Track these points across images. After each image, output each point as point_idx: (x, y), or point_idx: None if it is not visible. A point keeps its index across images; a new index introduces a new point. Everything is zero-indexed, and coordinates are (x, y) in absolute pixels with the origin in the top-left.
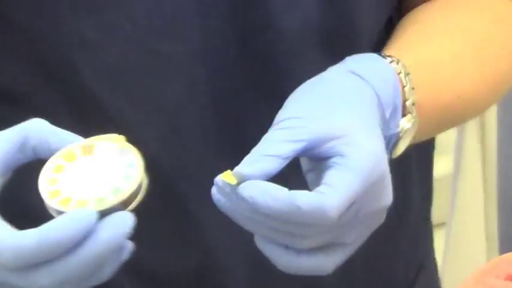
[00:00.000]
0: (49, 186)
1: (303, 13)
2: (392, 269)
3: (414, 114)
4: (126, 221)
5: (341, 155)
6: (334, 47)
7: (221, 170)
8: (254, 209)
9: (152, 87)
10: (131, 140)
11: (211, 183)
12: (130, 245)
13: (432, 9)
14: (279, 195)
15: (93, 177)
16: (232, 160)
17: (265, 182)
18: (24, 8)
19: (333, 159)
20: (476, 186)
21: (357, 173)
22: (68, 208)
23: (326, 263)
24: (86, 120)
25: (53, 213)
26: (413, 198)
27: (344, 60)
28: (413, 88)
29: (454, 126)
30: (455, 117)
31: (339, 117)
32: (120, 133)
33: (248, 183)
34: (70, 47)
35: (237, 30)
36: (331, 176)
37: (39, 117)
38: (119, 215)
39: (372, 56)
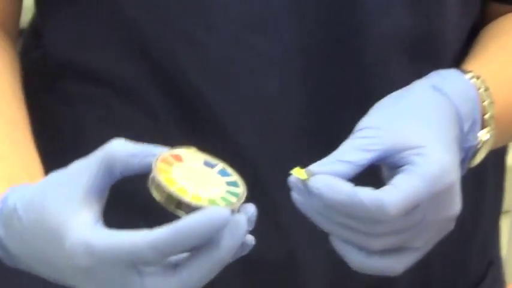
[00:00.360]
0: (171, 185)
1: (396, 21)
2: (466, 266)
3: (492, 126)
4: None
5: (411, 164)
6: (420, 54)
7: (307, 158)
8: (322, 202)
9: (250, 81)
10: (231, 130)
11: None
12: (251, 239)
13: (508, 25)
14: (343, 188)
15: (200, 180)
16: (322, 154)
17: (332, 177)
18: (136, 4)
19: (404, 167)
20: None
21: (422, 179)
22: (202, 204)
23: (396, 265)
24: (188, 112)
25: (177, 209)
26: (488, 201)
27: (429, 75)
28: (492, 102)
29: None
30: None
31: (413, 130)
32: (220, 123)
33: (316, 177)
34: (177, 44)
35: (331, 33)
36: (397, 179)
37: (143, 107)
38: (241, 217)
39: (455, 73)
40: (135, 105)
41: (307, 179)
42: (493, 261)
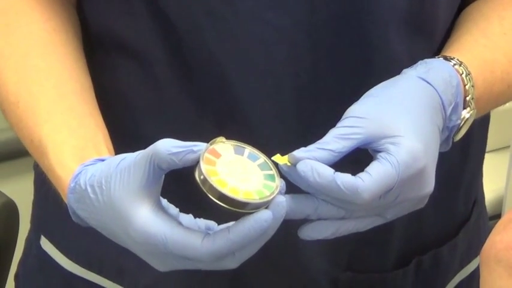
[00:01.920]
0: (223, 186)
1: (394, 0)
2: (455, 206)
3: (473, 106)
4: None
5: (386, 151)
6: (415, 30)
7: (313, 122)
8: (307, 183)
9: (262, 50)
10: (241, 92)
11: (304, 132)
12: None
13: (488, 8)
14: (325, 173)
15: (241, 171)
16: (323, 116)
17: (316, 162)
18: None
19: (380, 154)
20: None
21: (394, 166)
22: (254, 200)
23: (361, 226)
24: (205, 79)
25: (236, 208)
26: (473, 150)
27: (416, 65)
28: (473, 86)
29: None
30: (504, 101)
31: (393, 120)
32: (234, 88)
33: (303, 161)
34: (198, 16)
35: (337, 10)
36: (372, 166)
37: (163, 73)
38: (281, 202)
39: (439, 61)
40: (154, 71)
41: (290, 164)
42: (477, 198)
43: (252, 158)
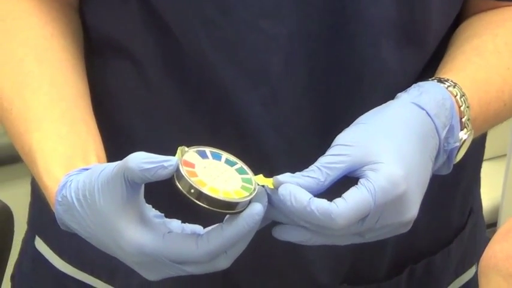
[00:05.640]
0: (215, 193)
1: (384, 10)
2: (449, 215)
3: (470, 127)
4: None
5: (365, 178)
6: (407, 39)
7: (307, 131)
8: (284, 207)
9: (258, 59)
10: (239, 101)
11: (298, 140)
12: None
13: (481, 25)
14: (301, 198)
15: (216, 176)
16: (319, 125)
17: (296, 187)
18: None
19: (360, 180)
20: None
21: (370, 192)
22: (243, 198)
23: (338, 242)
24: (196, 81)
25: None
26: (469, 160)
27: (410, 89)
28: (468, 106)
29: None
30: (502, 119)
31: (377, 147)
32: (229, 96)
33: (283, 185)
34: (194, 23)
35: (329, 19)
36: (349, 192)
37: (158, 76)
38: (258, 205)
39: (432, 84)
40: (149, 74)
41: (273, 187)
42: (473, 208)
43: (230, 163)
